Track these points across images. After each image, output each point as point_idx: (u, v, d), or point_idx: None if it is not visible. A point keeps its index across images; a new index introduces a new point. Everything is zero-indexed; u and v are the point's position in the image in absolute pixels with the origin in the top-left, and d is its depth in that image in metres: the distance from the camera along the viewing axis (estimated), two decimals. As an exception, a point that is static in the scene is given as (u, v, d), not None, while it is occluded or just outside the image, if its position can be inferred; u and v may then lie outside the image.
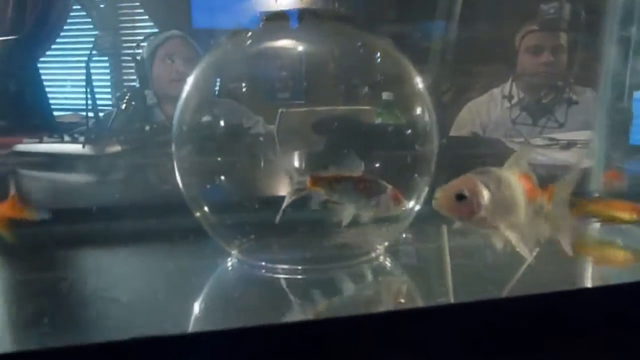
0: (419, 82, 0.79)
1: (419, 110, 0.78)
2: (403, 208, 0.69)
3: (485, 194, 0.60)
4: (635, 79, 1.23)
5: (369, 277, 0.74)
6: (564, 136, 1.38)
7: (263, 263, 0.74)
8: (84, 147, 1.19)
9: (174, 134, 0.77)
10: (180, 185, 0.77)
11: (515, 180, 0.64)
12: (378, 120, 0.80)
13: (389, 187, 0.67)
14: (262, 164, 0.76)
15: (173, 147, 0.77)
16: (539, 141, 1.40)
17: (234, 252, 0.78)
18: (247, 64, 0.80)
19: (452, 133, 1.71)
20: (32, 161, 1.19)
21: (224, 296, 0.70)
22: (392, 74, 0.80)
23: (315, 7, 0.79)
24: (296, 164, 0.75)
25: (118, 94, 1.50)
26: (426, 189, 0.78)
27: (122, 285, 0.72)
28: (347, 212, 0.67)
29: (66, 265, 0.81)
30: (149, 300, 0.67)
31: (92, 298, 0.67)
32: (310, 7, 0.78)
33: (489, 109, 1.76)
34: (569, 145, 1.32)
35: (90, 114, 1.29)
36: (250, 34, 0.79)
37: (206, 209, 0.76)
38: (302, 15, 0.77)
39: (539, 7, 1.49)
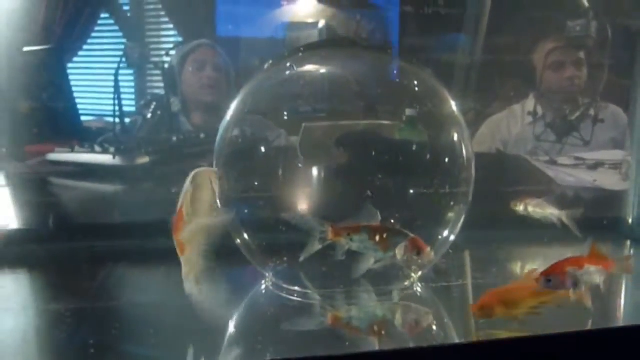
0: (454, 107, 0.78)
1: (455, 136, 0.78)
2: (425, 259, 0.67)
3: None
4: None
5: (399, 309, 0.74)
6: (591, 155, 1.37)
7: (297, 288, 0.75)
8: (114, 157, 1.20)
9: (216, 153, 0.79)
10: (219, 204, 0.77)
11: None
12: (399, 136, 0.80)
13: (410, 236, 0.67)
14: (293, 180, 0.77)
15: (214, 165, 0.79)
16: (565, 160, 1.38)
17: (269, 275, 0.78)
18: (286, 88, 0.82)
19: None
20: (62, 170, 1.20)
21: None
22: (426, 105, 0.80)
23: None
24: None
25: (143, 102, 1.51)
26: (462, 217, 0.77)
27: (152, 305, 0.73)
28: (365, 263, 0.69)
29: (99, 280, 0.81)
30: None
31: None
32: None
33: (509, 125, 1.74)
34: (596, 165, 1.30)
35: (117, 120, 1.31)
36: (290, 63, 0.82)
37: (244, 231, 0.77)
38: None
39: (566, 23, 1.48)
